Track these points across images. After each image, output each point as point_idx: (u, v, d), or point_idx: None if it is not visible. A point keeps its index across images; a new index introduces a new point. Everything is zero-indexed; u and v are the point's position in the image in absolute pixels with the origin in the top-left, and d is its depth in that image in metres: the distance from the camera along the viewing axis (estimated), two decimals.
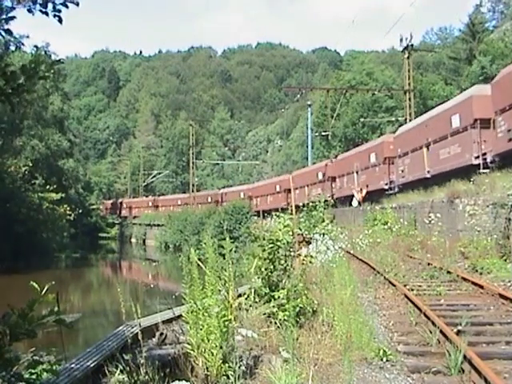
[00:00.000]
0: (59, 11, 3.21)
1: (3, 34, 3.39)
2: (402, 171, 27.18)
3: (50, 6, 3.19)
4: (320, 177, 38.24)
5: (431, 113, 25.26)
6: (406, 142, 26.83)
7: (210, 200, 60.14)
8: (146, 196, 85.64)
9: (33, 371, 3.85)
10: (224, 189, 64.82)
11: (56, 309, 2.77)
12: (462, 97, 22.60)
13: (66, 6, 3.23)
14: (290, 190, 40.74)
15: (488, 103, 19.06)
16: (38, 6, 3.17)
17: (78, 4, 3.30)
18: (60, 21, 3.20)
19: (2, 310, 2.81)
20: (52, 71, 3.29)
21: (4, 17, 3.27)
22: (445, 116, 22.32)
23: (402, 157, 27.13)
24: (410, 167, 26.17)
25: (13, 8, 3.28)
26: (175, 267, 28.46)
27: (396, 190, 27.69)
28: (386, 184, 28.93)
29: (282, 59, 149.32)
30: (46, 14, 3.19)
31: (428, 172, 23.86)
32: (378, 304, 8.93)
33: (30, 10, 3.21)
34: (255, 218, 39.38)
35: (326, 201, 19.25)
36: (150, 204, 76.71)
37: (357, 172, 32.07)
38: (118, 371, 5.12)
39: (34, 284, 3.02)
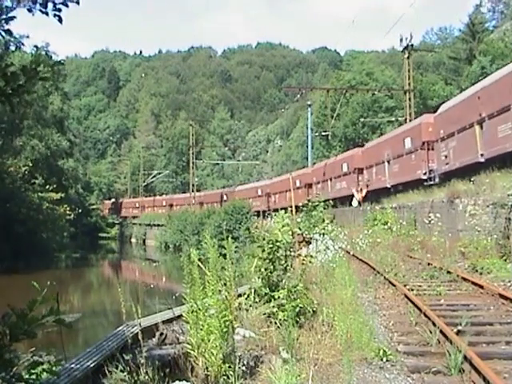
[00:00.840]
0: (59, 10, 3.20)
1: (3, 34, 3.39)
2: (446, 157, 22.59)
3: (50, 5, 3.18)
4: (345, 169, 34.20)
5: (484, 82, 20.53)
6: (450, 121, 21.98)
7: (225, 198, 56.99)
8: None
9: (33, 371, 3.85)
10: (240, 186, 62.28)
11: (55, 308, 2.77)
12: None
13: (66, 5, 3.22)
14: (311, 185, 39.07)
15: None
16: (37, 6, 3.16)
17: (78, 2, 3.30)
18: (60, 20, 3.19)
19: (2, 311, 2.81)
20: (52, 72, 3.29)
21: (4, 17, 3.26)
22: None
23: (446, 139, 22.31)
24: (457, 151, 21.52)
25: (13, 8, 3.28)
26: (175, 267, 28.48)
27: (437, 180, 23.36)
28: (425, 173, 24.47)
29: (282, 59, 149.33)
30: (46, 13, 3.18)
31: (481, 155, 19.39)
32: (377, 304, 8.92)
33: (29, 10, 3.20)
34: (255, 217, 39.41)
35: (325, 201, 19.26)
36: (165, 203, 74.43)
37: (388, 161, 28.20)
38: (118, 371, 5.12)
39: (35, 284, 3.02)
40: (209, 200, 62.32)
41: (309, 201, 35.98)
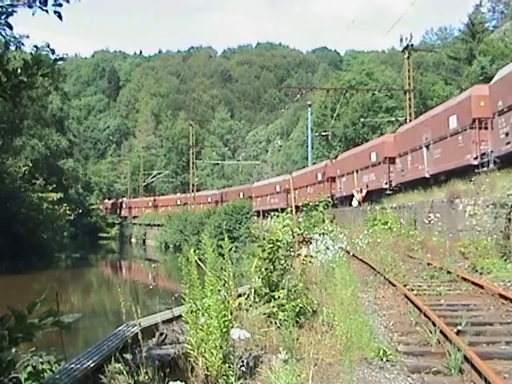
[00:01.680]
0: (60, 5, 3.17)
1: (3, 33, 3.38)
2: (507, 134, 17.94)
3: (50, 1, 3.17)
4: (374, 158, 30.39)
5: None
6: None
7: (241, 196, 52.89)
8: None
9: (33, 371, 3.86)
10: (257, 182, 58.13)
11: (54, 310, 2.76)
12: None
13: (67, 1, 3.20)
14: (333, 179, 36.05)
15: None
16: (37, 3, 3.14)
17: None
18: (60, 17, 3.17)
19: (2, 311, 2.80)
20: (54, 67, 3.26)
21: (3, 10, 3.25)
22: None
23: (506, 112, 17.81)
24: None
25: (12, 5, 3.26)
26: (175, 267, 28.47)
27: (492, 165, 19.00)
28: (476, 158, 20.54)
29: (282, 59, 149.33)
30: (46, 11, 3.17)
31: None
32: (378, 304, 8.92)
33: (30, 6, 3.19)
34: (255, 217, 39.40)
35: (325, 201, 19.24)
36: (179, 202, 70.75)
37: (427, 146, 23.85)
38: (118, 371, 5.12)
39: (36, 285, 3.01)
40: (227, 198, 57.51)
41: (332, 196, 33.47)
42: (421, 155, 24.42)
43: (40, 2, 3.13)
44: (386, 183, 28.45)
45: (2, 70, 3.05)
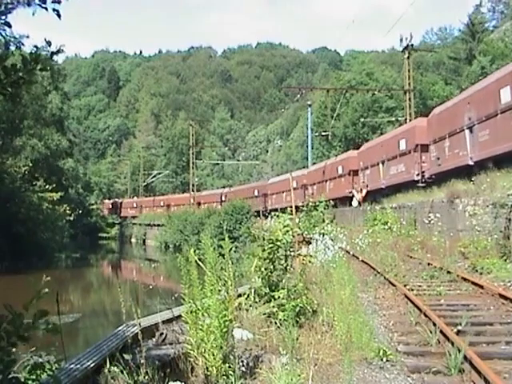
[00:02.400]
0: (59, 2, 3.16)
1: (3, 33, 3.38)
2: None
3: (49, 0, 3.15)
4: (403, 147, 25.89)
5: None
6: None
7: (256, 193, 49.67)
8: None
9: (32, 371, 3.85)
10: (272, 178, 53.37)
11: (45, 310, 2.74)
12: None
13: None
14: (356, 172, 32.12)
15: None
16: (36, 1, 3.13)
17: None
18: (59, 15, 3.16)
19: (1, 311, 2.80)
20: (53, 60, 3.25)
21: (2, 9, 3.24)
22: None
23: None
24: None
25: (12, 4, 3.26)
26: (175, 267, 28.43)
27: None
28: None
29: (282, 59, 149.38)
30: (46, 8, 3.15)
31: None
32: (377, 304, 8.92)
33: (29, 4, 3.18)
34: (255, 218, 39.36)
35: (326, 201, 19.22)
36: (192, 201, 65.35)
37: (470, 128, 19.43)
38: (118, 371, 5.12)
39: (33, 282, 3.00)
40: (239, 197, 53.84)
41: (362, 190, 30.61)
42: (462, 139, 20.18)
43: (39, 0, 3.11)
44: (418, 174, 24.45)
45: (1, 66, 3.04)
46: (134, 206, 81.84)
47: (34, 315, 2.70)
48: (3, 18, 3.30)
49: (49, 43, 3.12)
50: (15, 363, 2.82)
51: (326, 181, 36.09)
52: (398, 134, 27.87)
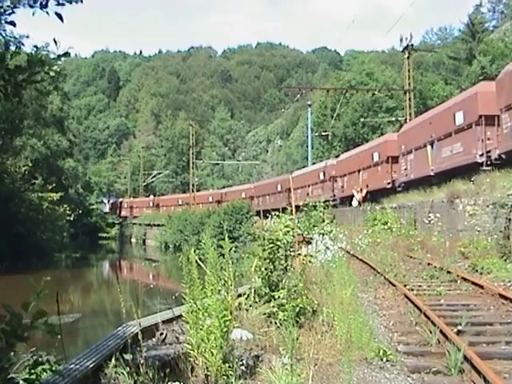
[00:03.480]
0: (62, 4, 3.15)
1: (3, 33, 3.37)
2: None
3: (51, 2, 3.14)
4: (460, 120, 20.39)
5: None
6: None
7: (279, 188, 43.82)
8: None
9: (32, 371, 3.85)
10: (297, 171, 46.74)
11: (43, 310, 2.74)
12: None
13: (70, 2, 3.18)
14: (396, 158, 26.89)
15: None
16: (37, 5, 3.12)
17: (82, 0, 3.26)
18: (61, 18, 3.15)
19: (1, 311, 2.80)
20: (59, 62, 3.21)
21: (4, 10, 3.23)
22: None
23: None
24: None
25: (14, 6, 3.25)
26: (175, 267, 28.46)
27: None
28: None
29: (282, 59, 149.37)
30: (47, 12, 3.14)
31: None
32: (377, 304, 8.92)
33: (31, 6, 3.16)
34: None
35: (326, 201, 19.20)
36: (211, 199, 62.25)
37: None
38: (118, 371, 5.12)
39: (32, 282, 2.99)
40: (262, 192, 48.50)
41: (393, 182, 26.81)
42: None
43: (41, 4, 3.10)
44: (482, 155, 19.14)
45: (5, 68, 3.02)
46: (150, 204, 79.27)
47: (33, 316, 2.70)
48: (3, 17, 3.28)
49: (55, 41, 3.09)
50: (14, 364, 2.82)
51: (359, 170, 31.20)
52: (452, 106, 22.02)
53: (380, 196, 26.85)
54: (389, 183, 27.26)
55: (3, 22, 3.33)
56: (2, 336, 2.64)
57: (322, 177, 36.82)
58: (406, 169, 25.83)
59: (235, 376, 4.81)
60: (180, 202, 66.71)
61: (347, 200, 31.07)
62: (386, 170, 27.72)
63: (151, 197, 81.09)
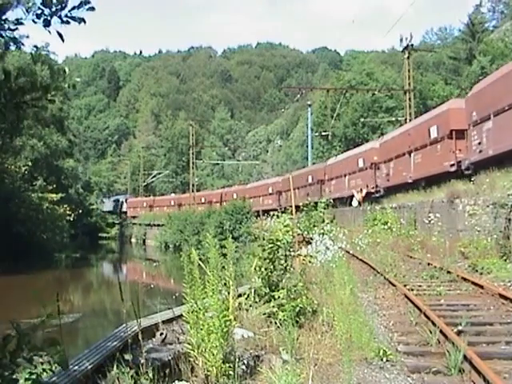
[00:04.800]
0: (67, 23, 3.07)
1: (2, 33, 3.35)
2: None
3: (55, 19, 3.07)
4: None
5: None
6: None
7: (311, 180, 38.79)
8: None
9: (32, 371, 3.85)
10: (332, 158, 40.07)
11: (55, 338, 2.73)
12: None
13: (75, 20, 3.08)
14: (462, 132, 20.46)
15: None
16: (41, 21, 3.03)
17: (84, 21, 3.17)
18: (61, 37, 3.09)
19: (2, 311, 2.80)
20: (59, 62, 3.17)
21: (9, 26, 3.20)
22: None
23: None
24: None
25: (18, 23, 3.20)
26: (175, 267, 28.47)
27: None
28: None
29: (282, 59, 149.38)
30: (49, 31, 3.06)
31: None
32: (377, 304, 8.92)
33: (34, 22, 3.09)
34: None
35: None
36: (236, 196, 53.91)
37: None
38: (118, 371, 5.12)
39: (34, 285, 2.99)
40: (294, 185, 38.34)
41: (459, 163, 19.81)
42: None
43: (44, 21, 3.03)
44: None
45: (7, 88, 2.99)
46: (171, 203, 74.05)
47: (44, 340, 2.67)
48: (7, 32, 3.26)
49: (61, 36, 3.06)
50: (17, 382, 2.79)
51: (410, 152, 24.77)
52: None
53: (439, 182, 20.69)
54: (453, 165, 20.90)
55: (5, 23, 3.30)
56: (7, 355, 2.60)
57: (361, 164, 30.64)
58: (479, 143, 18.83)
59: (235, 376, 4.81)
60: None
61: (395, 190, 25.53)
62: (449, 147, 21.11)
63: (172, 195, 78.20)
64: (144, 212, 75.27)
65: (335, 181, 34.48)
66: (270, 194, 45.16)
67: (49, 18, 3.05)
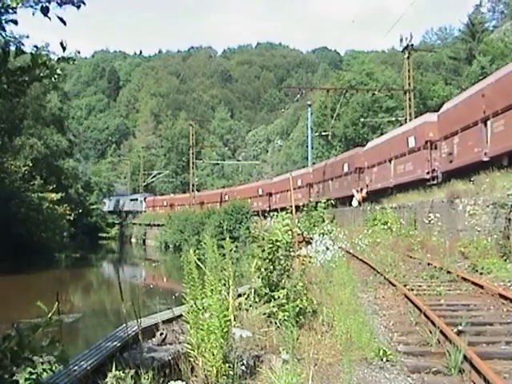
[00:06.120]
0: (64, 3, 3.11)
1: (2, 33, 3.35)
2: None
3: (53, 4, 3.10)
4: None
5: None
6: None
7: (347, 169, 32.88)
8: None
9: (32, 371, 3.85)
10: (374, 140, 34.63)
11: (58, 338, 2.73)
12: None
13: (72, 4, 3.14)
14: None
15: None
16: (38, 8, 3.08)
17: (83, 3, 3.21)
18: (63, 22, 3.11)
19: (2, 311, 2.80)
20: (64, 63, 3.17)
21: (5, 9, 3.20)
22: None
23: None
24: None
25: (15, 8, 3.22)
26: (175, 267, 28.49)
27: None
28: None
29: (282, 59, 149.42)
30: (49, 18, 3.09)
31: None
32: (377, 304, 8.92)
33: (32, 7, 3.12)
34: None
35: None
36: (261, 192, 50.81)
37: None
38: (118, 371, 5.12)
39: (41, 305, 2.96)
40: (325, 177, 36.75)
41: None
42: None
43: (42, 8, 3.05)
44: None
45: (6, 69, 3.00)
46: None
47: (46, 340, 2.66)
48: (5, 16, 3.26)
49: (62, 46, 3.07)
50: (17, 383, 2.78)
51: (485, 121, 17.53)
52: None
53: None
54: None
55: (3, 21, 3.31)
56: (8, 355, 2.59)
57: (412, 143, 24.03)
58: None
59: (235, 376, 4.81)
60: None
61: (464, 173, 18.35)
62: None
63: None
64: (164, 211, 69.83)
65: (376, 168, 28.83)
66: (300, 187, 40.56)
67: (47, 5, 3.04)
